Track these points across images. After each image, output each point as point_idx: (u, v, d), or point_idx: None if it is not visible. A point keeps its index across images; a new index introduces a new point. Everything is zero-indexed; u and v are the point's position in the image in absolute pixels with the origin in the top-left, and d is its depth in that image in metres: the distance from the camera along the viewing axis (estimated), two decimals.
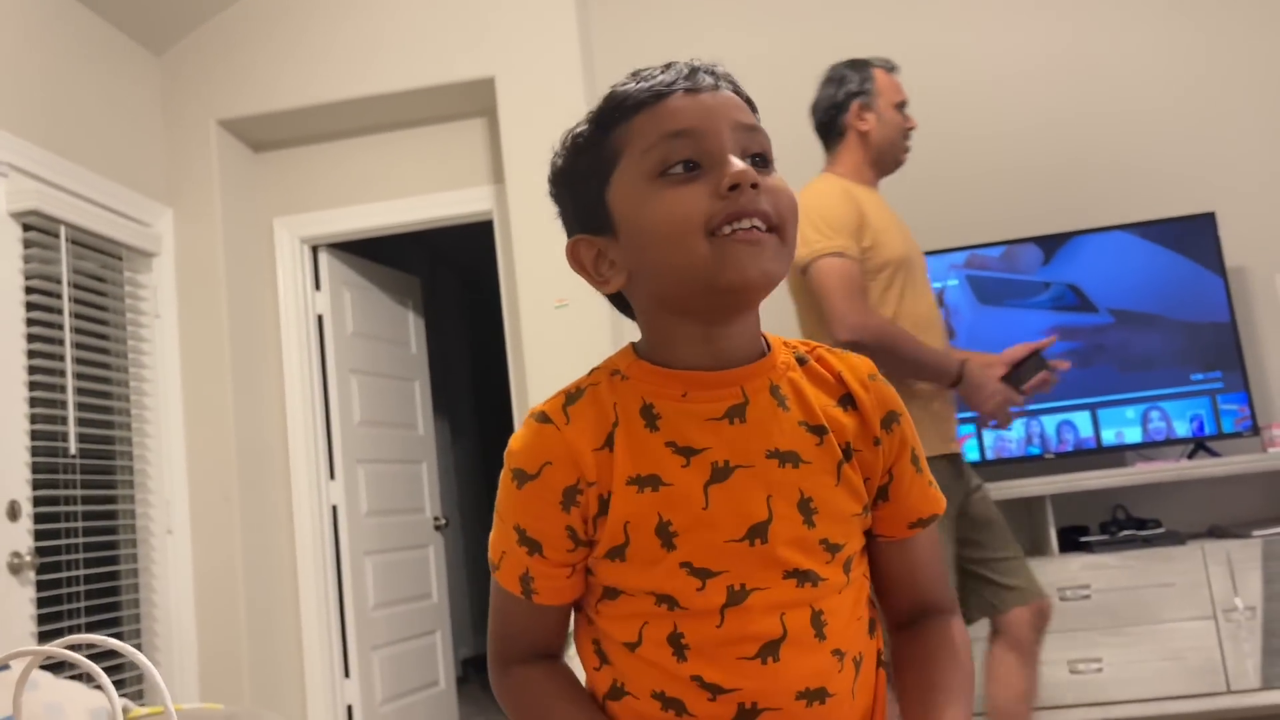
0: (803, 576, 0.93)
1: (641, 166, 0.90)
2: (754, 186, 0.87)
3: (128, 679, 3.26)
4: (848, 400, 0.97)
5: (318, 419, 3.98)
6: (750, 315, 0.95)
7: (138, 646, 3.43)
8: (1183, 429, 3.26)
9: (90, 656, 3.05)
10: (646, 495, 0.92)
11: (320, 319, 4.09)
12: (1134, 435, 3.28)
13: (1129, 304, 3.33)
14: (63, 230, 3.18)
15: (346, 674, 3.91)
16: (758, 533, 0.92)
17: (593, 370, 1.01)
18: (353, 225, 3.99)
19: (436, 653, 4.50)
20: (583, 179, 0.96)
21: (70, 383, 3.15)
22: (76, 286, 3.26)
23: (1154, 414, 3.27)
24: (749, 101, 0.96)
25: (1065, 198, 3.63)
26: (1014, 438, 3.31)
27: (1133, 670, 3.00)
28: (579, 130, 0.96)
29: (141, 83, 3.73)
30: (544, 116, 3.65)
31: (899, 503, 0.99)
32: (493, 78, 3.70)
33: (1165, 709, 3.00)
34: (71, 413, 3.15)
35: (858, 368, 0.99)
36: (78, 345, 3.24)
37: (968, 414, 3.34)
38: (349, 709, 3.89)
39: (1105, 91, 3.67)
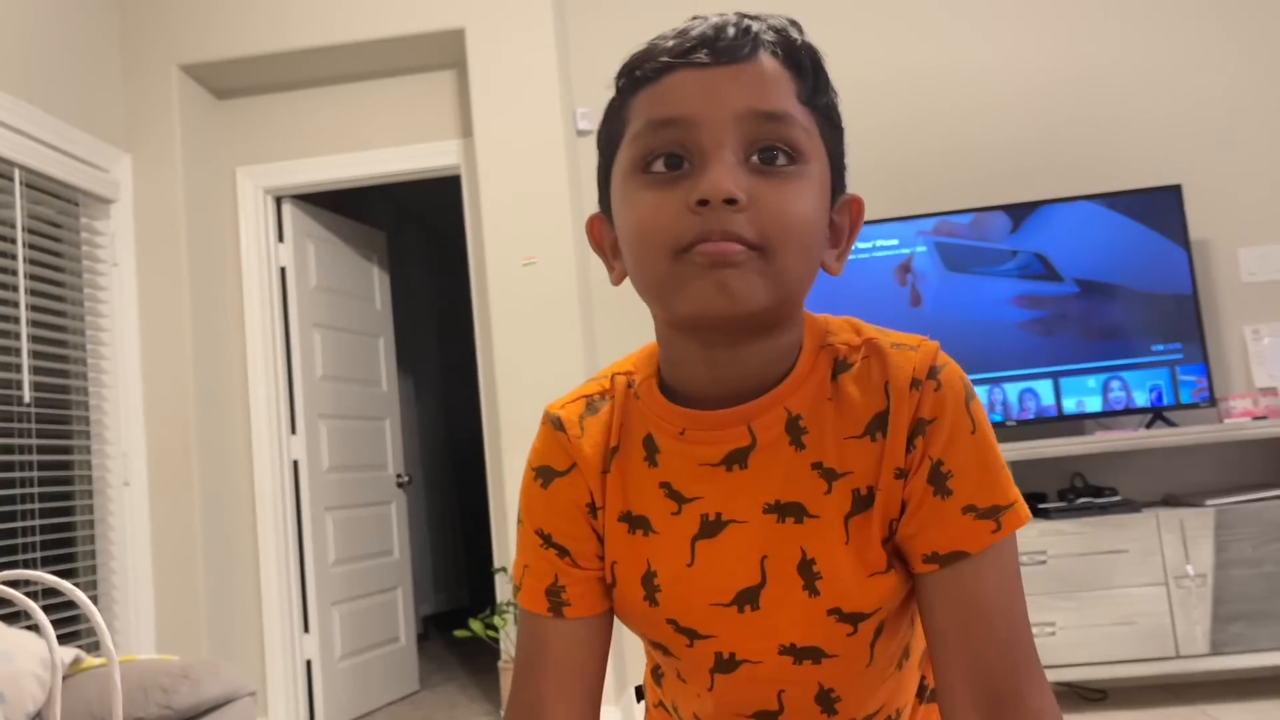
0: (801, 654, 0.83)
1: (629, 154, 0.76)
2: (731, 202, 0.70)
3: (83, 629, 3.23)
4: (881, 422, 0.79)
5: (279, 373, 3.94)
6: (762, 336, 0.78)
7: (93, 599, 3.39)
8: (1142, 399, 3.29)
9: (50, 606, 3.01)
10: (637, 538, 0.85)
11: (283, 271, 4.04)
12: (1094, 404, 3.31)
13: (1094, 274, 3.35)
14: (17, 174, 3.10)
15: (306, 629, 3.90)
16: (747, 598, 0.82)
17: (616, 373, 0.89)
18: (317, 177, 3.93)
19: (397, 609, 4.50)
20: (601, 150, 0.83)
21: (25, 330, 3.09)
22: (31, 232, 3.19)
23: (1115, 384, 3.31)
24: (799, 63, 0.76)
25: (1034, 167, 3.64)
26: None
27: (1085, 634, 3.05)
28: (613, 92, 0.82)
29: (100, 23, 3.63)
30: (514, 70, 3.60)
31: (908, 530, 0.79)
32: (462, 29, 3.64)
33: (1116, 672, 3.06)
34: (25, 361, 3.09)
35: (902, 368, 0.79)
36: (32, 292, 3.17)
37: None
38: (308, 664, 3.88)
39: (1076, 64, 3.67)
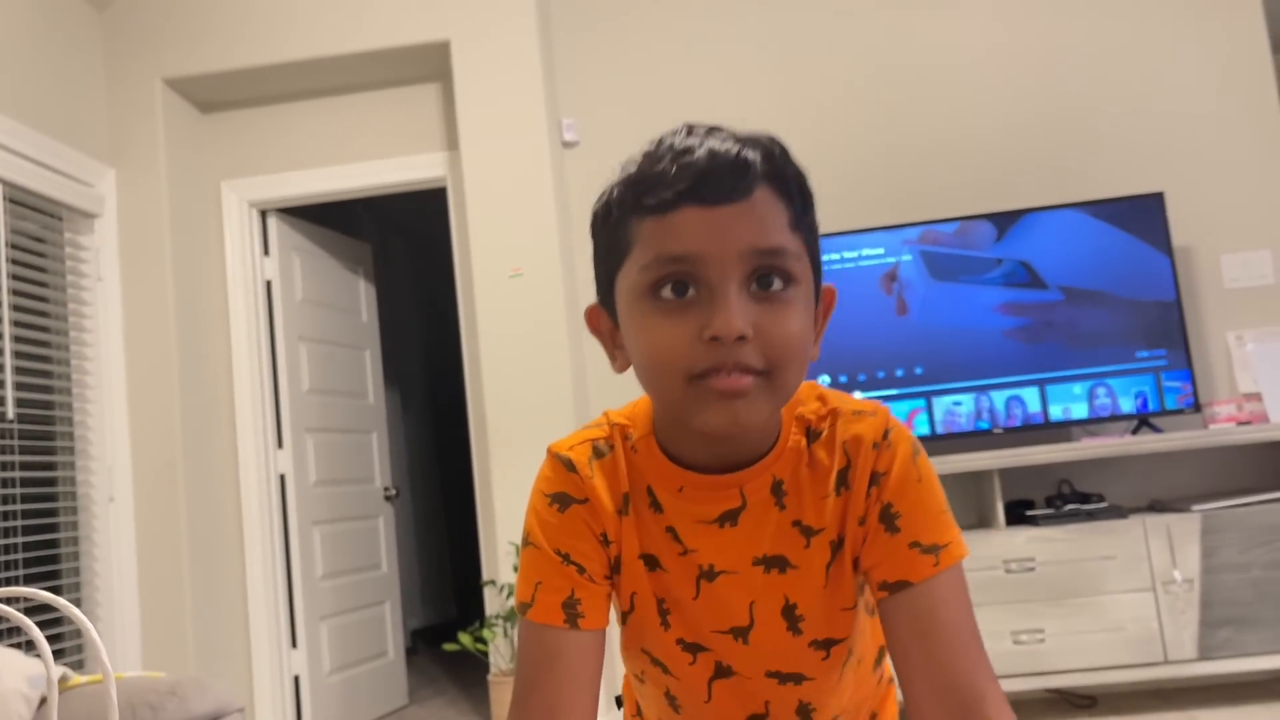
0: (784, 678, 0.96)
1: (639, 279, 0.84)
2: (741, 338, 0.79)
3: (68, 647, 3.20)
4: (843, 478, 0.92)
5: (265, 387, 3.92)
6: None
7: None
8: (1127, 405, 3.31)
9: (35, 623, 2.99)
10: (655, 574, 0.95)
11: (269, 285, 4.02)
12: (1080, 411, 3.33)
13: (1078, 281, 3.37)
14: (0, 189, 3.08)
15: (293, 644, 3.87)
16: (740, 634, 0.95)
17: (613, 422, 0.98)
18: (303, 190, 3.92)
19: (385, 623, 4.48)
20: (600, 253, 0.90)
21: (8, 346, 3.07)
22: (14, 247, 3.17)
23: (1100, 390, 3.32)
24: (790, 191, 0.84)
25: (1019, 176, 3.66)
26: (964, 412, 3.35)
27: (1074, 641, 3.06)
28: (606, 197, 0.88)
29: (83, 38, 3.62)
30: (499, 82, 3.61)
31: (867, 564, 0.91)
32: (447, 41, 3.64)
33: (1105, 679, 3.06)
34: (9, 377, 3.07)
35: (864, 436, 0.91)
36: (16, 308, 3.15)
37: (917, 388, 3.37)
38: (295, 679, 3.86)
39: (1060, 73, 3.70)
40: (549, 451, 0.97)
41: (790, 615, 0.94)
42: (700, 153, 0.81)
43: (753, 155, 0.82)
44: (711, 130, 0.84)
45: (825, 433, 0.92)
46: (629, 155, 0.88)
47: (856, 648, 0.99)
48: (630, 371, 0.92)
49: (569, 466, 0.94)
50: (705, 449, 0.90)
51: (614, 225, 0.87)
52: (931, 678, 0.84)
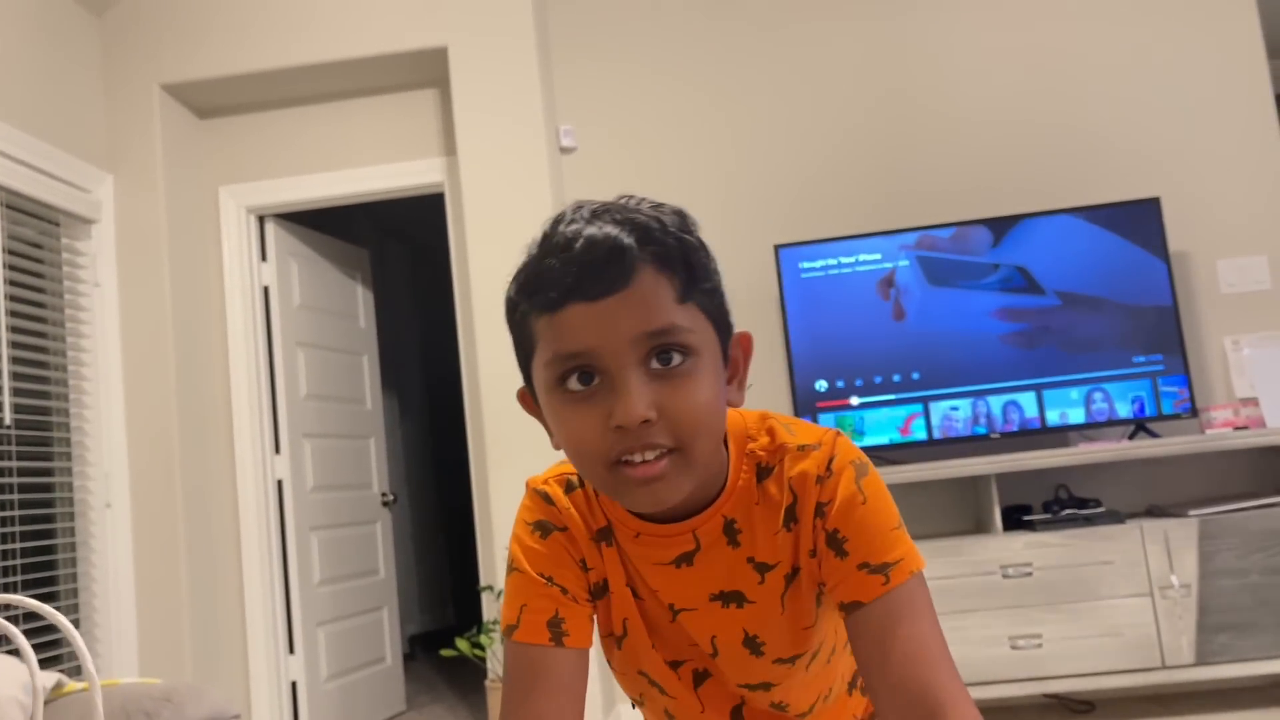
0: (756, 687, 1.03)
1: (546, 374, 0.86)
2: (646, 422, 0.82)
3: (65, 653, 3.20)
4: (791, 513, 0.94)
5: (263, 392, 3.92)
6: None
7: (75, 622, 3.36)
8: (1124, 410, 3.31)
9: (31, 630, 2.99)
10: (638, 601, 1.01)
11: (266, 290, 4.02)
12: (1077, 416, 3.33)
13: (1075, 287, 3.37)
14: None
15: (291, 650, 3.87)
16: (709, 654, 1.01)
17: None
18: (301, 195, 3.92)
19: (383, 629, 4.47)
20: (515, 343, 0.92)
21: (5, 352, 3.07)
22: (12, 253, 3.17)
23: (1097, 395, 3.33)
24: (673, 266, 0.84)
25: (1015, 181, 3.66)
26: (961, 417, 3.35)
27: (1072, 646, 3.06)
28: (510, 289, 0.90)
29: (80, 44, 3.62)
30: (497, 87, 3.61)
31: (827, 587, 0.94)
32: (445, 47, 3.65)
33: (1102, 684, 3.06)
34: (6, 383, 3.06)
35: (809, 472, 0.94)
36: (13, 314, 3.15)
37: (914, 394, 3.37)
38: (293, 685, 3.85)
39: (1056, 78, 3.70)
40: (527, 486, 1.02)
41: (751, 644, 0.99)
42: (580, 245, 0.82)
43: (629, 239, 0.82)
44: (596, 214, 0.85)
45: (775, 469, 0.95)
46: (533, 235, 0.89)
47: (823, 648, 1.04)
48: None
49: (546, 499, 1.00)
50: (650, 507, 0.92)
51: (519, 320, 0.89)
52: (893, 690, 0.85)
